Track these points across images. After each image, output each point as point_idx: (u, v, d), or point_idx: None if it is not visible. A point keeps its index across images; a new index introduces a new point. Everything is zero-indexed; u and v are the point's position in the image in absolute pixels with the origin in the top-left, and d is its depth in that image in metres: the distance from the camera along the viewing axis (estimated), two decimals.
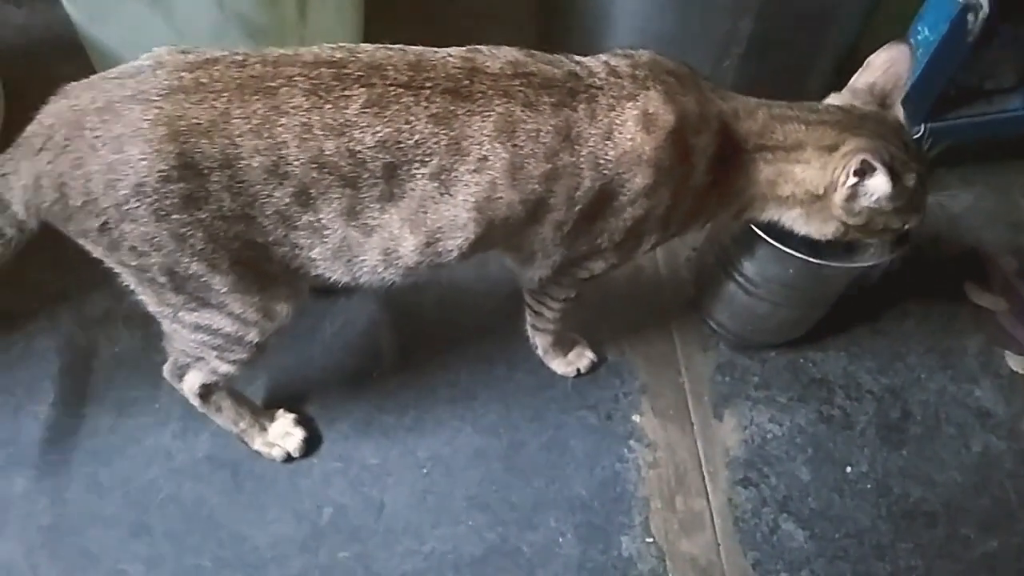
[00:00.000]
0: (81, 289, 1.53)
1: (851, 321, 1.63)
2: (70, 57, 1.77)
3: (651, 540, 1.38)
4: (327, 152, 0.91)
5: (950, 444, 1.53)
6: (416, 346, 1.55)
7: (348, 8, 1.48)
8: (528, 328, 1.46)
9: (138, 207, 0.91)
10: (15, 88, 1.76)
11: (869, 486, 1.47)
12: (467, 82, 0.95)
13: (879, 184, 1.04)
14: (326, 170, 0.93)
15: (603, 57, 1.05)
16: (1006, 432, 1.54)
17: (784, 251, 1.26)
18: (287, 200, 0.95)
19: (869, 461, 1.49)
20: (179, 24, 1.23)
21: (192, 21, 1.23)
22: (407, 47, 0.97)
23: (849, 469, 1.48)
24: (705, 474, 1.46)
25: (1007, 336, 1.64)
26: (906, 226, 1.19)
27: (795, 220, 1.16)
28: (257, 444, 1.38)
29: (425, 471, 1.42)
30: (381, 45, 0.96)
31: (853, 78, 1.15)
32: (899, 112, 1.13)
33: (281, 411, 1.41)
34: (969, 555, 1.41)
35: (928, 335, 1.65)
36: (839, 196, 1.08)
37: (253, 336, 1.11)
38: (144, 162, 0.88)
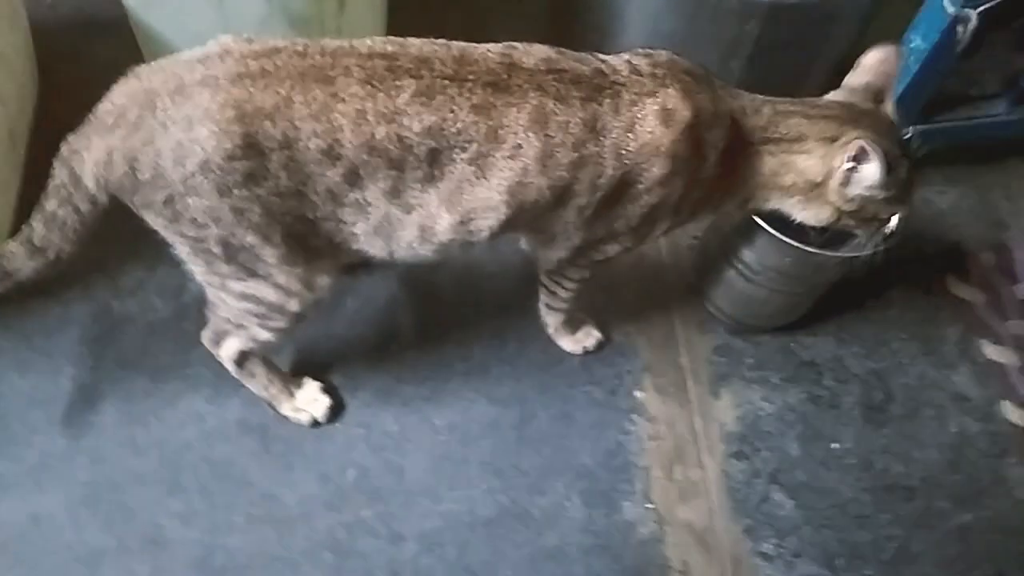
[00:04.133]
0: (115, 260, 1.61)
1: (840, 309, 1.74)
2: (101, 36, 1.86)
3: (651, 506, 1.49)
4: (378, 137, 1.00)
5: (929, 425, 1.64)
6: (433, 322, 1.64)
7: (378, 2, 1.57)
8: (541, 307, 1.56)
9: (203, 182, 1.00)
10: (48, 65, 1.83)
11: (853, 461, 1.58)
12: (506, 76, 1.04)
13: (872, 171, 1.13)
14: (376, 153, 1.02)
15: (625, 56, 1.15)
16: (981, 415, 1.66)
17: (783, 241, 1.36)
18: (338, 179, 1.04)
19: (854, 438, 1.61)
20: (228, 13, 1.31)
21: (241, 10, 1.31)
22: (451, 42, 1.06)
23: (835, 445, 1.60)
24: (702, 447, 1.57)
25: (984, 326, 1.75)
26: (893, 216, 1.30)
27: (793, 207, 1.26)
28: (285, 409, 1.47)
29: (442, 438, 1.51)
30: (428, 40, 1.05)
31: (847, 78, 1.26)
32: (890, 109, 1.23)
33: (308, 379, 1.50)
34: (944, 526, 1.53)
35: (911, 323, 1.77)
36: (835, 180, 1.18)
37: (294, 306, 1.20)
38: (212, 141, 0.97)
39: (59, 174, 1.07)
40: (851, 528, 1.51)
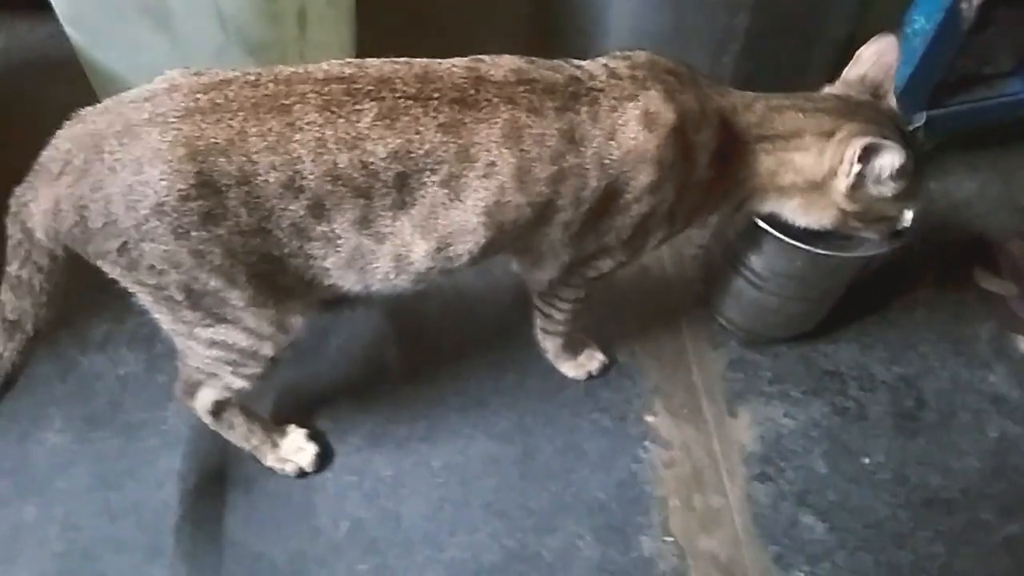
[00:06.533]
0: (81, 313, 1.61)
1: (861, 312, 1.72)
2: (54, 78, 1.87)
3: (671, 539, 1.46)
4: (341, 165, 1.00)
5: (966, 431, 1.62)
6: (424, 356, 1.63)
7: (343, 21, 1.57)
8: (537, 332, 1.55)
9: (157, 226, 0.99)
10: (1, 108, 1.85)
11: (887, 476, 1.55)
12: (473, 91, 1.04)
13: (889, 159, 1.12)
14: (340, 182, 1.01)
15: (602, 60, 1.14)
16: (1022, 416, 1.63)
17: (791, 243, 1.35)
18: (302, 212, 1.03)
19: (885, 451, 1.58)
20: (182, 44, 1.31)
21: (195, 41, 1.32)
22: (413, 60, 1.06)
23: (866, 460, 1.57)
24: (722, 471, 1.54)
25: (1018, 321, 1.73)
26: (901, 214, 1.28)
27: (794, 210, 1.25)
28: (270, 460, 1.45)
29: (440, 480, 1.49)
30: (388, 59, 1.05)
31: (844, 71, 1.25)
32: (892, 101, 1.22)
33: (292, 426, 1.48)
34: (990, 540, 1.50)
35: (939, 323, 1.75)
36: (843, 183, 1.17)
37: (268, 350, 1.19)
38: (164, 182, 0.96)
39: (13, 232, 1.06)
40: (889, 549, 1.48)
